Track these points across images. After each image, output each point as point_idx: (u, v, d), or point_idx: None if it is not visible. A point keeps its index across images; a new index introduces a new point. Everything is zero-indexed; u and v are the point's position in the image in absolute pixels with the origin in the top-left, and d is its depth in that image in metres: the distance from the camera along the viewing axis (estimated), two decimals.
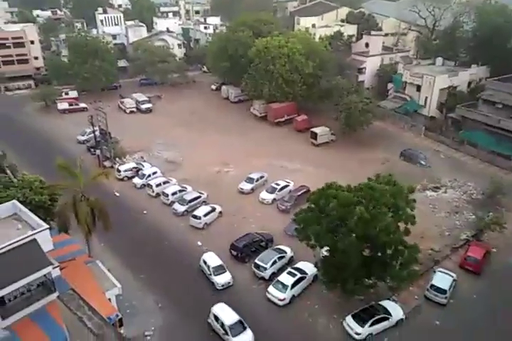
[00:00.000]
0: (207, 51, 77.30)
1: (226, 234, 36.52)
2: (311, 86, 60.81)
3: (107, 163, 48.76)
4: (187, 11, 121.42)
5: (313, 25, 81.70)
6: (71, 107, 65.12)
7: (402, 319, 28.48)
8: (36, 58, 79.12)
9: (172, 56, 79.56)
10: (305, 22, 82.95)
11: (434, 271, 32.39)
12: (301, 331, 28.10)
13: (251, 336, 26.64)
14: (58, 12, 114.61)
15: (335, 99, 57.16)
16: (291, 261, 33.54)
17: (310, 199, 28.85)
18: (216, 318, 27.19)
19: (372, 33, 73.55)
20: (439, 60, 65.24)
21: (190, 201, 40.58)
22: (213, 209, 39.37)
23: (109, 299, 25.98)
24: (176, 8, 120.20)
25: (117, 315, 24.88)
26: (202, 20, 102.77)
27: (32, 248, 20.56)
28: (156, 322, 28.31)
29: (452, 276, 31.67)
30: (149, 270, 32.91)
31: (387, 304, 29.18)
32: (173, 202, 41.19)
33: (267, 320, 28.77)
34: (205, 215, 38.35)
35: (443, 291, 30.14)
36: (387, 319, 27.98)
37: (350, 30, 79.30)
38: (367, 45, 71.81)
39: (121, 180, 46.18)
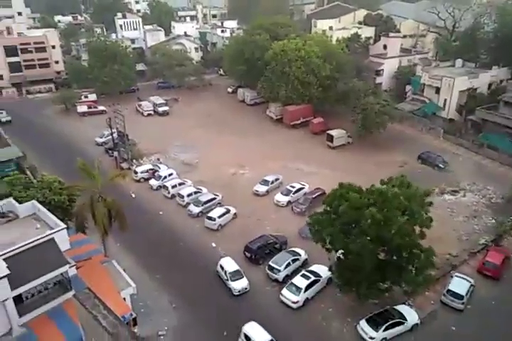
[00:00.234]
0: (223, 54, 77.86)
1: (240, 235, 36.58)
2: (327, 88, 60.60)
3: (124, 165, 49.46)
4: (204, 15, 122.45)
5: (331, 28, 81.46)
6: (90, 110, 66.36)
7: (417, 324, 28.04)
8: (57, 62, 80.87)
9: (189, 59, 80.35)
10: (322, 24, 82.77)
11: (451, 276, 31.81)
12: (314, 334, 27.91)
13: None
14: (79, 17, 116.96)
15: (352, 102, 56.83)
16: (305, 264, 33.38)
17: (325, 201, 28.75)
18: (247, 338, 26.21)
19: (391, 34, 72.98)
20: (459, 62, 64.27)
21: (206, 202, 40.82)
22: (228, 211, 39.51)
23: (124, 298, 26.28)
24: (193, 13, 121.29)
25: (131, 315, 25.13)
26: (219, 24, 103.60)
27: (50, 247, 20.98)
28: (170, 322, 28.51)
29: (470, 281, 31.05)
30: (164, 270, 33.19)
31: (402, 308, 28.75)
32: (188, 204, 41.50)
33: (281, 322, 28.65)
34: (220, 217, 38.52)
35: (460, 296, 29.57)
36: (402, 323, 27.57)
37: (367, 32, 78.71)
38: (385, 47, 71.22)
39: (138, 181, 46.75)
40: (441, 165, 49.01)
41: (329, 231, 26.92)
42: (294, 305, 29.53)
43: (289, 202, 41.94)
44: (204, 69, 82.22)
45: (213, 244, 36.39)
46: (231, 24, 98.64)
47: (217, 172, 47.52)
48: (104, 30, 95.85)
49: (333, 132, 54.99)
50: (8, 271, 18.19)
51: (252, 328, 26.67)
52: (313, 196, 41.14)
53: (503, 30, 62.58)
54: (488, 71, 60.42)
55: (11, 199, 25.78)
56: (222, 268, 32.19)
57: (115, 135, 49.94)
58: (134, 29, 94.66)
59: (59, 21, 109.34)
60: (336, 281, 28.95)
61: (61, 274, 20.98)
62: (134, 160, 50.49)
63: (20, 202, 25.93)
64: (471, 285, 30.85)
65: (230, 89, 76.95)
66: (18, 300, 19.64)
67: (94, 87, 71.58)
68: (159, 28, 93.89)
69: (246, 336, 26.35)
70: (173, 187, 43.76)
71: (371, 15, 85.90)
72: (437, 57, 74.19)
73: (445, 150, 52.78)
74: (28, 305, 20.23)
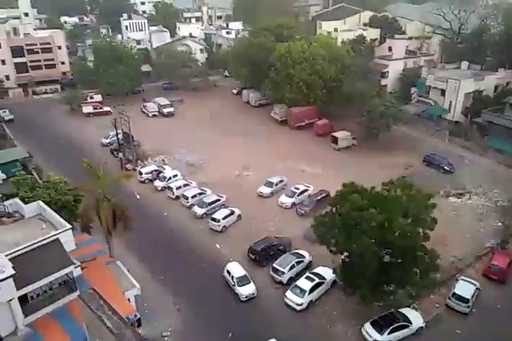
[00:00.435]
0: (228, 56, 77.89)
1: (244, 237, 36.55)
2: (332, 90, 60.53)
3: (129, 166, 49.57)
4: (209, 17, 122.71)
5: (336, 30, 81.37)
6: (95, 111, 66.61)
7: (422, 327, 27.91)
8: (63, 63, 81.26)
9: (194, 61, 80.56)
10: (327, 26, 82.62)
11: (457, 279, 31.67)
12: (318, 337, 27.83)
13: None
14: (85, 18, 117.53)
15: (357, 103, 56.72)
16: (309, 266, 33.32)
17: (329, 202, 28.70)
18: None
19: (396, 36, 72.92)
20: (465, 64, 64.08)
21: (210, 204, 40.85)
22: (232, 213, 39.50)
23: (129, 299, 26.32)
24: (198, 14, 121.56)
25: (136, 315, 25.19)
26: (224, 25, 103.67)
27: (55, 247, 21.02)
28: (174, 323, 28.52)
29: (475, 285, 30.89)
30: (168, 271, 33.22)
31: (407, 311, 28.63)
32: (192, 205, 41.53)
33: (284, 324, 28.60)
34: (224, 218, 38.51)
35: (465, 300, 29.41)
36: (407, 327, 27.45)
37: (373, 33, 78.55)
38: (390, 48, 71.04)
39: (143, 182, 46.85)
40: (446, 168, 48.79)
41: (333, 233, 26.86)
42: (298, 308, 29.46)
43: (293, 204, 41.86)
44: (209, 70, 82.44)
45: (217, 246, 36.39)
46: (236, 25, 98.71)
47: (221, 174, 47.53)
48: (110, 31, 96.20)
49: (337, 134, 54.91)
50: (13, 271, 18.23)
51: None
52: (318, 198, 41.06)
53: (509, 32, 62.43)
54: (494, 73, 60.17)
55: (16, 199, 25.88)
56: (229, 273, 31.87)
57: (120, 136, 50.09)
58: (140, 30, 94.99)
59: (65, 22, 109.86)
60: (341, 284, 28.85)
61: (66, 275, 21.01)
62: (139, 161, 50.61)
63: (26, 203, 26.03)
64: (477, 288, 30.69)
65: (234, 91, 77.03)
66: (23, 300, 19.68)
67: (100, 88, 71.92)
68: (164, 29, 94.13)
69: None
70: (178, 188, 43.81)
71: (376, 16, 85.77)
72: (443, 59, 74.00)
73: (451, 153, 52.51)
74: (33, 305, 20.25)
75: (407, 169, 47.67)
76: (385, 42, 74.30)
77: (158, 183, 45.79)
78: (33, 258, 20.02)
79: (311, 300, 29.94)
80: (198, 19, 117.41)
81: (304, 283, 30.31)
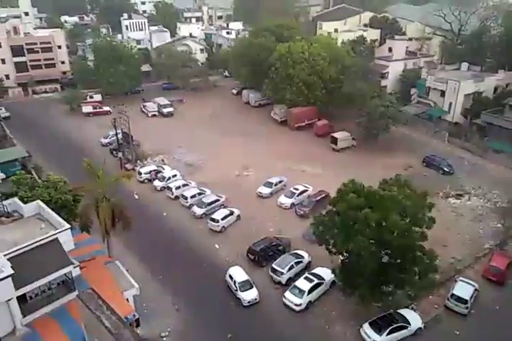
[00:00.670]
0: (229, 56, 77.89)
1: (244, 237, 36.54)
2: (332, 91, 60.55)
3: (129, 166, 49.55)
4: (210, 17, 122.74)
5: (336, 30, 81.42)
6: (95, 110, 66.59)
7: (420, 328, 27.92)
8: (63, 62, 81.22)
9: (194, 61, 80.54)
10: (327, 27, 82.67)
11: (456, 280, 31.67)
12: (317, 337, 27.83)
13: None
14: (85, 18, 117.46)
15: (357, 104, 56.76)
16: (308, 267, 33.32)
17: (329, 202, 28.73)
18: None
19: (396, 37, 72.93)
20: (465, 65, 64.12)
21: (209, 204, 40.83)
22: (231, 213, 39.49)
23: (127, 299, 26.30)
24: (199, 14, 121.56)
25: (134, 315, 25.16)
26: (224, 25, 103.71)
27: (54, 247, 20.99)
28: (172, 323, 28.50)
29: (474, 286, 30.89)
30: (167, 271, 33.20)
31: (406, 312, 28.64)
32: (192, 205, 41.52)
33: (283, 325, 28.59)
34: (223, 218, 38.49)
35: (464, 301, 29.43)
36: (406, 327, 27.46)
37: (373, 34, 78.64)
38: (390, 49, 71.12)
39: (142, 182, 46.82)
40: (446, 169, 48.82)
41: (332, 233, 26.86)
42: (297, 308, 29.46)
43: (292, 205, 41.87)
44: (209, 70, 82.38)
45: (216, 246, 36.38)
46: (236, 25, 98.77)
47: (221, 174, 47.52)
48: (110, 30, 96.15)
49: (337, 134, 54.93)
50: (12, 271, 18.21)
51: None
52: (317, 198, 41.07)
53: (509, 33, 62.43)
54: (494, 75, 60.22)
55: (15, 198, 25.85)
56: (231, 277, 31.45)
57: (120, 136, 50.07)
58: (140, 30, 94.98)
59: (65, 21, 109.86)
60: (340, 284, 28.85)
61: (65, 274, 20.98)
62: (139, 161, 50.60)
63: (25, 202, 26.00)
64: (476, 289, 30.70)
65: (234, 91, 77.01)
66: (22, 299, 19.67)
67: (100, 88, 71.89)
68: (165, 29, 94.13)
69: None
70: (177, 188, 43.79)
71: (377, 17, 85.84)
72: (443, 61, 74.01)
73: (450, 154, 52.56)
74: (31, 305, 20.24)
75: (406, 170, 47.65)
76: (385, 43, 74.38)
77: (157, 183, 45.77)
78: (32, 258, 19.99)
79: (310, 301, 29.93)
80: (199, 19, 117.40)
81: (302, 284, 30.31)
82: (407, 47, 72.57)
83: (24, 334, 19.78)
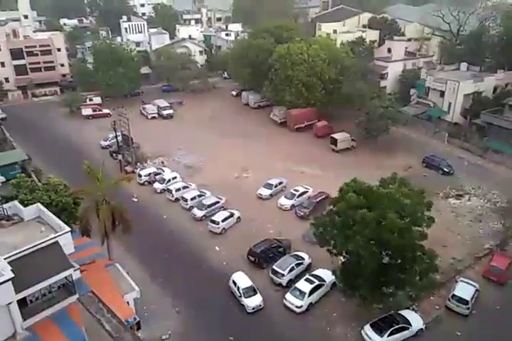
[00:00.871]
0: (228, 58, 77.95)
1: (244, 239, 36.52)
2: (331, 92, 60.58)
3: (129, 168, 49.55)
4: (209, 19, 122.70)
5: (335, 31, 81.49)
6: (95, 113, 66.60)
7: (422, 329, 27.90)
8: (62, 65, 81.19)
9: (193, 63, 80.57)
10: (326, 28, 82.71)
11: (456, 281, 31.65)
12: (318, 339, 27.81)
13: None
14: (84, 20, 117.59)
15: (356, 105, 56.79)
16: (309, 268, 33.29)
17: (330, 202, 28.73)
18: None
19: (395, 38, 72.92)
20: (464, 66, 64.13)
21: (209, 206, 40.83)
22: (232, 215, 39.48)
23: (128, 302, 26.29)
24: (198, 16, 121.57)
25: (135, 318, 25.16)
26: (223, 27, 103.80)
27: (54, 250, 20.99)
28: (173, 326, 28.47)
29: (475, 286, 30.88)
30: (167, 274, 33.18)
31: (406, 313, 28.61)
32: (192, 207, 41.51)
33: (284, 327, 28.56)
34: (224, 220, 38.48)
35: (465, 301, 29.41)
36: (407, 329, 27.44)
37: (372, 35, 78.66)
38: (389, 50, 71.14)
39: (142, 184, 46.82)
40: (445, 169, 48.83)
41: (332, 234, 26.84)
42: (298, 310, 29.43)
43: (292, 206, 41.86)
44: (208, 72, 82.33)
45: (217, 248, 36.37)
46: (236, 27, 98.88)
47: (221, 176, 47.52)
48: (110, 33, 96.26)
49: (336, 135, 54.93)
50: (12, 274, 18.22)
51: None
52: (317, 200, 41.08)
53: (508, 33, 62.46)
54: (493, 75, 60.22)
55: (15, 202, 25.86)
56: (234, 283, 31.08)
57: (119, 138, 50.09)
58: (139, 32, 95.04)
59: (64, 24, 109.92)
60: (340, 286, 28.83)
61: (65, 278, 20.98)
62: (138, 164, 50.60)
63: (25, 205, 26.01)
64: (476, 290, 30.69)
65: (234, 93, 77.02)
66: (22, 303, 19.67)
67: (99, 90, 71.89)
68: (164, 31, 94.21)
69: None
70: (177, 190, 43.80)
71: (376, 18, 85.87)
72: (442, 61, 74.00)
73: (450, 154, 52.57)
74: (32, 309, 20.24)
75: (406, 170, 47.62)
76: (384, 43, 74.35)
77: (157, 185, 45.77)
78: (32, 261, 20.00)
79: (311, 303, 29.90)
80: (198, 21, 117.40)
81: (303, 286, 30.28)
82: (406, 48, 72.59)
83: (24, 338, 19.78)
